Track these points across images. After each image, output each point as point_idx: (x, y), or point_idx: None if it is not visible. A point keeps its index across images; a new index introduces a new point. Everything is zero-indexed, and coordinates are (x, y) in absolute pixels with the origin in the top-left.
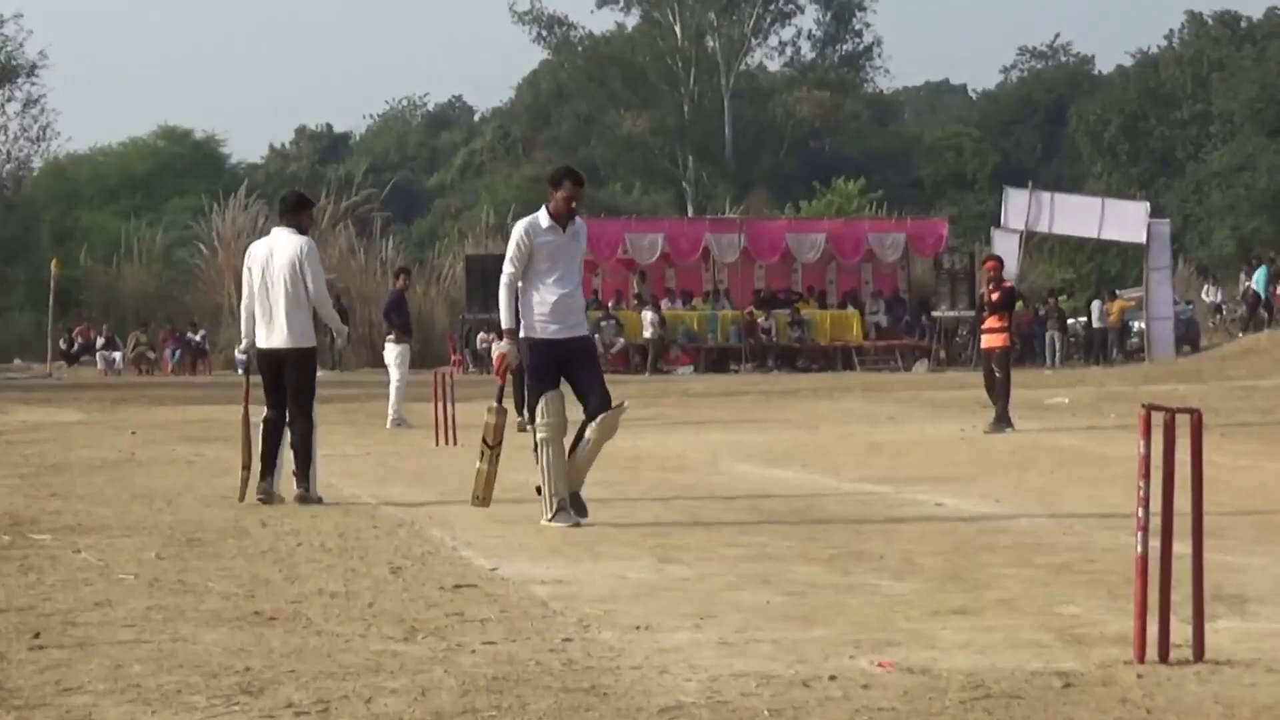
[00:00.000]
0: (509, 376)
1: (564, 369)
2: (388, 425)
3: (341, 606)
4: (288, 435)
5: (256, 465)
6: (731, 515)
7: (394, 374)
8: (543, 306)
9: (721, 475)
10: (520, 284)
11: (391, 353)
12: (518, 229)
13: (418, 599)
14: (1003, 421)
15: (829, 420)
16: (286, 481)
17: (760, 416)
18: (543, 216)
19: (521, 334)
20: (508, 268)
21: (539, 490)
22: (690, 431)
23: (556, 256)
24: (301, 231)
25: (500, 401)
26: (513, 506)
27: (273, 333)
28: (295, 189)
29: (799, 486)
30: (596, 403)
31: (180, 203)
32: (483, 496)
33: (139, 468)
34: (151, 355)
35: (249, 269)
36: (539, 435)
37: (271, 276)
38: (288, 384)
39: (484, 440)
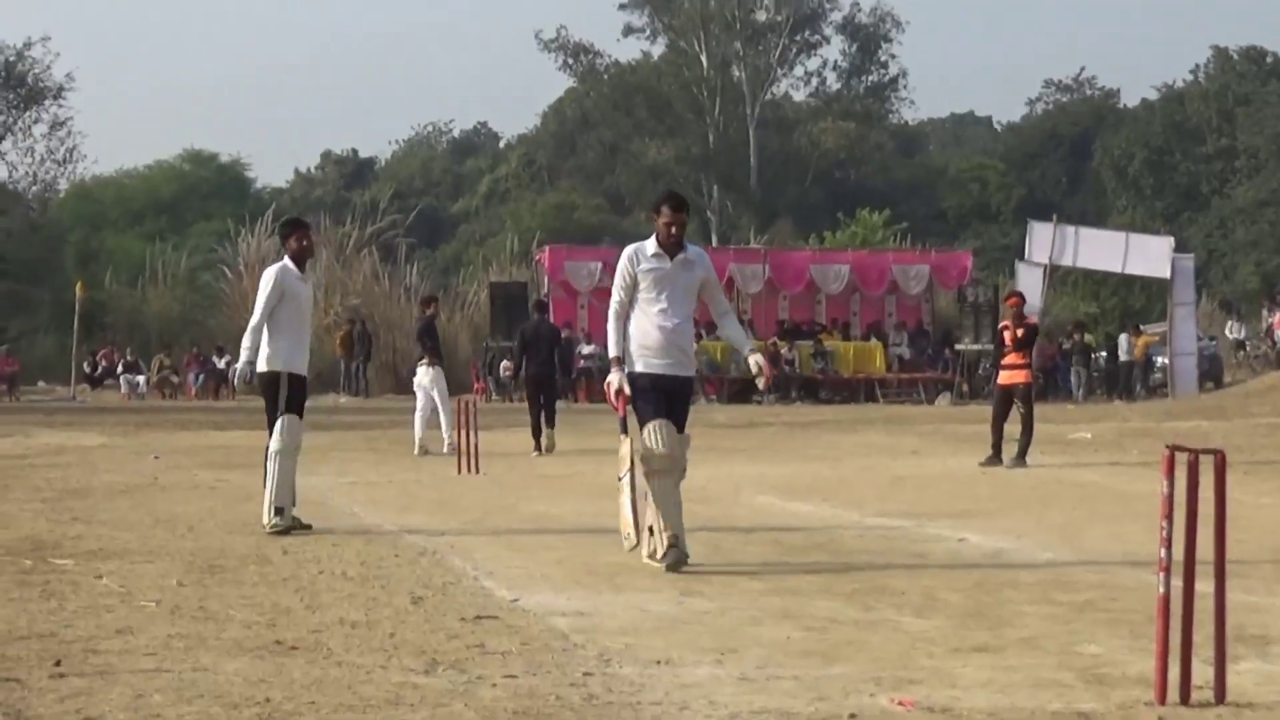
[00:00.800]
0: (623, 406)
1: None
2: (444, 450)
3: (362, 637)
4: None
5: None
6: (753, 548)
7: (437, 399)
8: (644, 338)
9: (743, 507)
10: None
11: (426, 377)
12: (623, 254)
13: (439, 630)
14: (1023, 457)
15: (851, 453)
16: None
17: (782, 448)
18: (650, 243)
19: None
20: (614, 295)
21: (649, 529)
22: (712, 463)
23: (661, 286)
24: (296, 258)
25: (625, 431)
26: (532, 537)
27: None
28: (289, 216)
29: (821, 520)
30: None
31: (205, 226)
32: (632, 535)
33: (161, 493)
34: (175, 379)
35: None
36: (651, 468)
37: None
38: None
39: (624, 475)
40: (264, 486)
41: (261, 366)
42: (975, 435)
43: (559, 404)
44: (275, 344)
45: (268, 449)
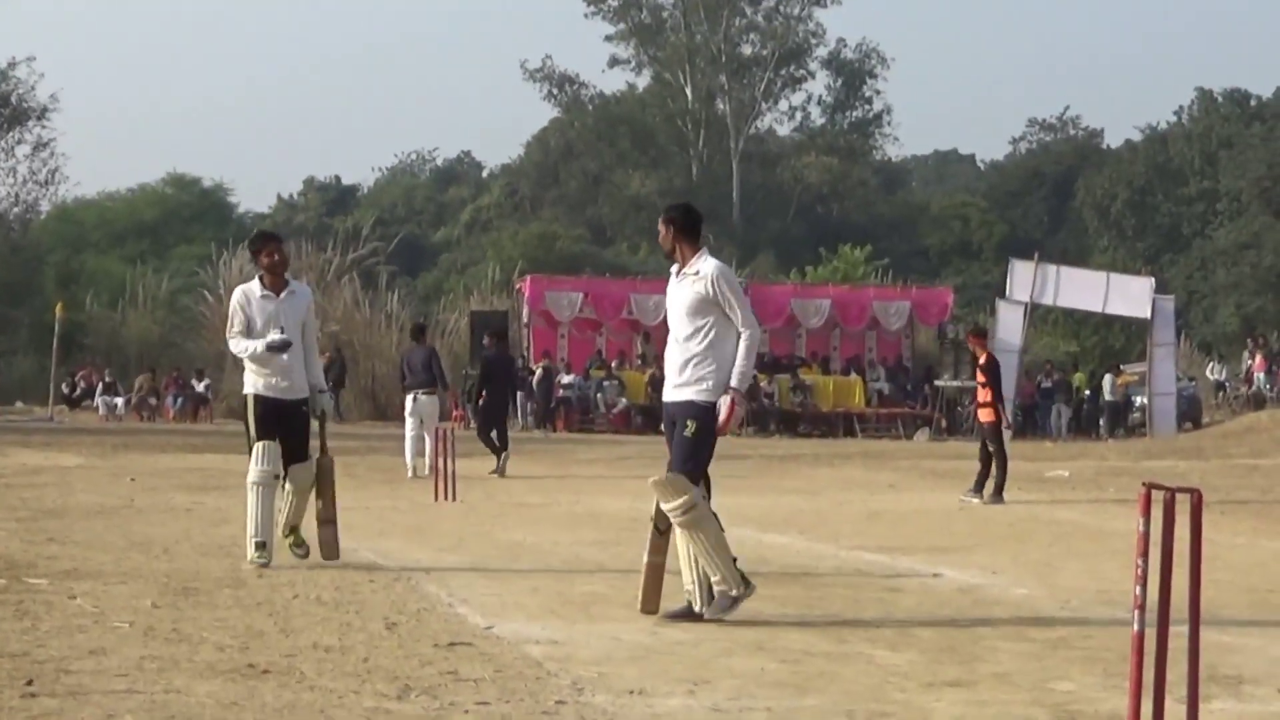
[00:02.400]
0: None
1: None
2: (425, 473)
3: (335, 661)
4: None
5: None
6: None
7: (426, 425)
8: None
9: None
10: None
11: (431, 405)
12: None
13: (412, 656)
14: (999, 495)
15: (828, 487)
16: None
17: (760, 481)
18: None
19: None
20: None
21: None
22: None
23: (673, 307)
24: (270, 272)
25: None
26: (508, 564)
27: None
28: (260, 229)
29: (796, 553)
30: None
31: (187, 250)
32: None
33: (137, 515)
34: (154, 401)
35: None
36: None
37: None
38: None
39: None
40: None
41: (245, 389)
42: (953, 471)
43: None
44: (250, 365)
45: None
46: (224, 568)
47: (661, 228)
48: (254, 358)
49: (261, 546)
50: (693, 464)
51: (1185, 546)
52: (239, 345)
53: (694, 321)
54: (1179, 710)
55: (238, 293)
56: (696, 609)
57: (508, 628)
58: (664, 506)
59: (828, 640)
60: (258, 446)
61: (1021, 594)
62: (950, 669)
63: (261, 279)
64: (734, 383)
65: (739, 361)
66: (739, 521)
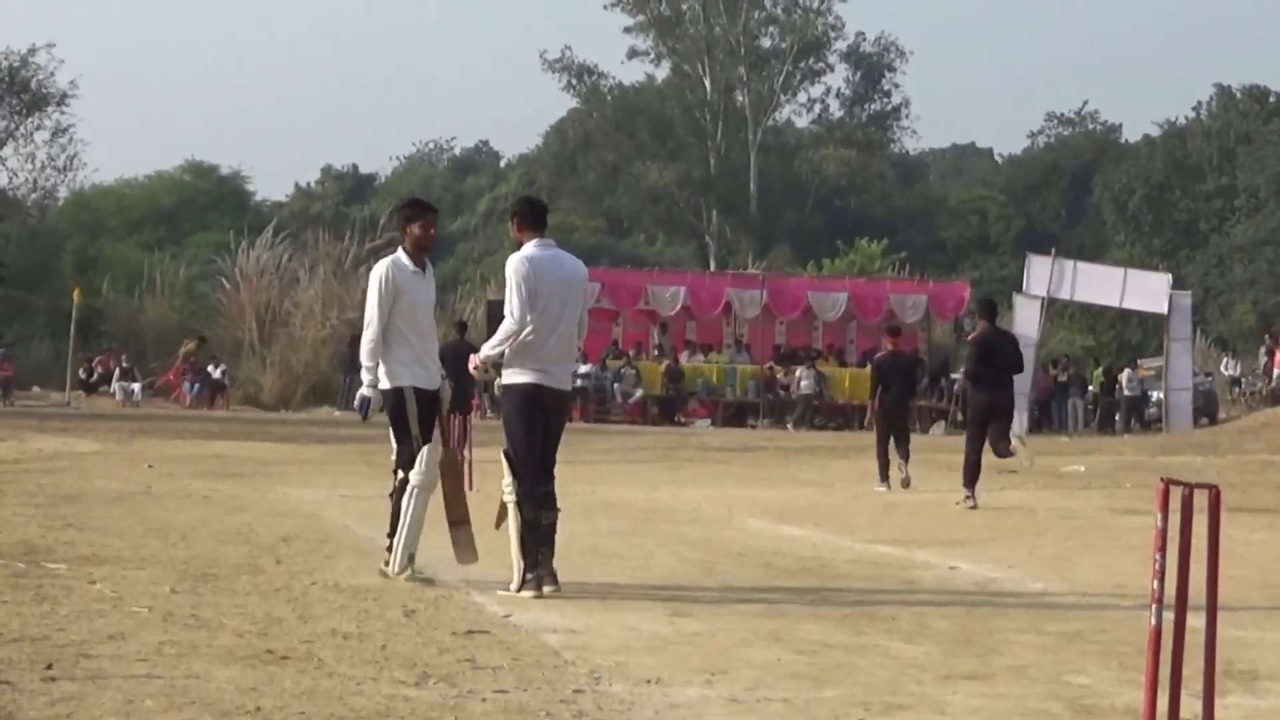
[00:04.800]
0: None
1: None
2: None
3: (354, 648)
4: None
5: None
6: (744, 571)
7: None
8: None
9: (735, 530)
10: None
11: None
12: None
13: (430, 644)
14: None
15: (844, 479)
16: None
17: (776, 473)
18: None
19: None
20: None
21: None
22: (705, 485)
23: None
24: (418, 247)
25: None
26: None
27: None
28: (415, 196)
29: (812, 545)
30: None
31: (204, 238)
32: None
33: (154, 501)
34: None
35: None
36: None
37: None
38: None
39: None
40: (396, 529)
41: (383, 384)
42: None
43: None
44: (395, 354)
45: (402, 482)
46: (241, 554)
47: (511, 219)
48: (403, 344)
49: (412, 560)
50: (507, 444)
51: (1202, 542)
52: (376, 335)
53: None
54: (1195, 705)
55: (387, 266)
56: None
57: (525, 616)
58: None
59: (844, 632)
60: (427, 450)
61: (1037, 587)
62: (966, 661)
63: (408, 253)
64: (482, 352)
65: (490, 340)
66: (755, 513)
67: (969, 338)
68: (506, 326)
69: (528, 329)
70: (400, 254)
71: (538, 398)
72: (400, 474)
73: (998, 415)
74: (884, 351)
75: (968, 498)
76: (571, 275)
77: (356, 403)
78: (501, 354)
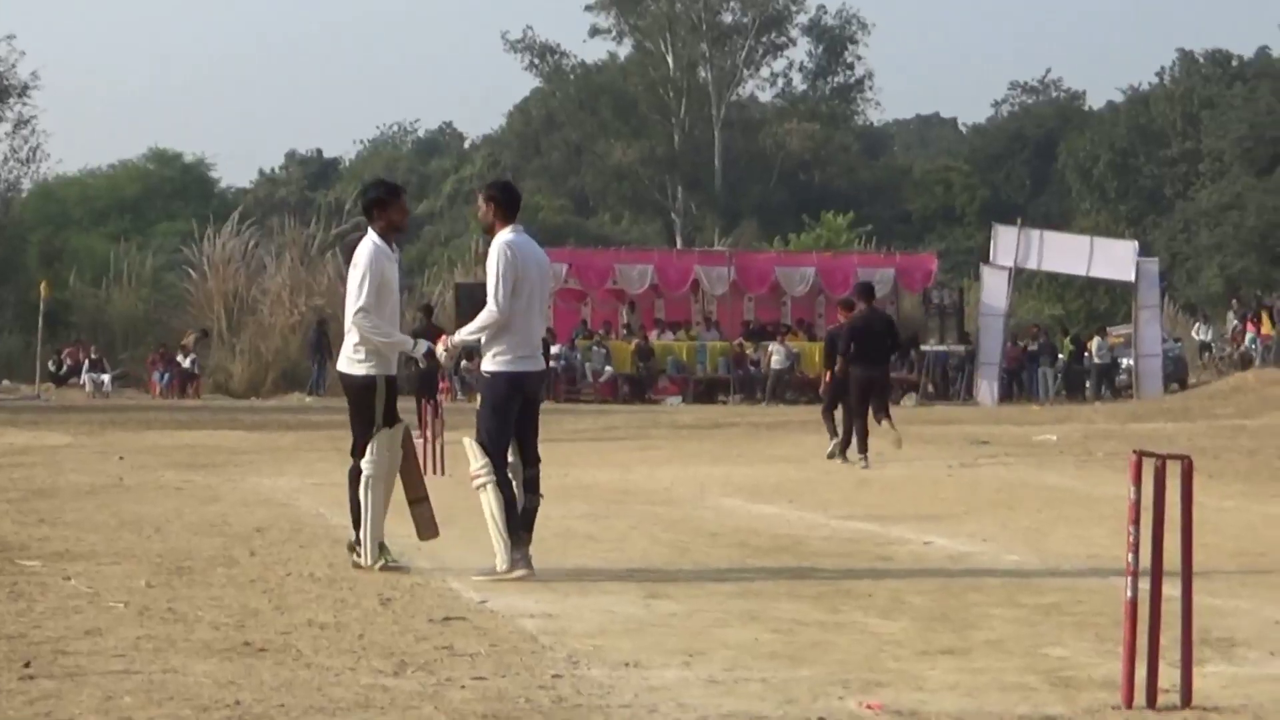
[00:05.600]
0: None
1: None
2: None
3: (331, 638)
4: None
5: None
6: (719, 551)
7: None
8: None
9: (709, 510)
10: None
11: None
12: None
13: (407, 632)
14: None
15: (817, 454)
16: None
17: (748, 449)
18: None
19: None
20: None
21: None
22: (678, 464)
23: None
24: (382, 232)
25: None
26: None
27: (341, 356)
28: (377, 178)
29: (786, 522)
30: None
31: (169, 226)
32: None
33: (127, 493)
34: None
35: None
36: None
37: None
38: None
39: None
40: (361, 520)
41: (355, 369)
42: (940, 436)
43: None
44: (378, 345)
45: (358, 473)
46: (216, 546)
47: (482, 204)
48: (386, 346)
49: (383, 548)
50: (482, 432)
51: (1174, 512)
52: (383, 328)
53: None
54: (1173, 674)
55: (371, 248)
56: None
57: (501, 602)
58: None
59: (820, 610)
60: (382, 436)
61: (1012, 560)
62: (944, 636)
63: (381, 235)
64: (456, 336)
65: (469, 326)
66: (728, 491)
67: (837, 326)
68: (489, 314)
69: (505, 316)
70: (376, 236)
71: (524, 384)
72: (353, 460)
73: (876, 390)
74: (858, 312)
75: (863, 461)
76: (543, 260)
77: (423, 356)
78: (478, 340)
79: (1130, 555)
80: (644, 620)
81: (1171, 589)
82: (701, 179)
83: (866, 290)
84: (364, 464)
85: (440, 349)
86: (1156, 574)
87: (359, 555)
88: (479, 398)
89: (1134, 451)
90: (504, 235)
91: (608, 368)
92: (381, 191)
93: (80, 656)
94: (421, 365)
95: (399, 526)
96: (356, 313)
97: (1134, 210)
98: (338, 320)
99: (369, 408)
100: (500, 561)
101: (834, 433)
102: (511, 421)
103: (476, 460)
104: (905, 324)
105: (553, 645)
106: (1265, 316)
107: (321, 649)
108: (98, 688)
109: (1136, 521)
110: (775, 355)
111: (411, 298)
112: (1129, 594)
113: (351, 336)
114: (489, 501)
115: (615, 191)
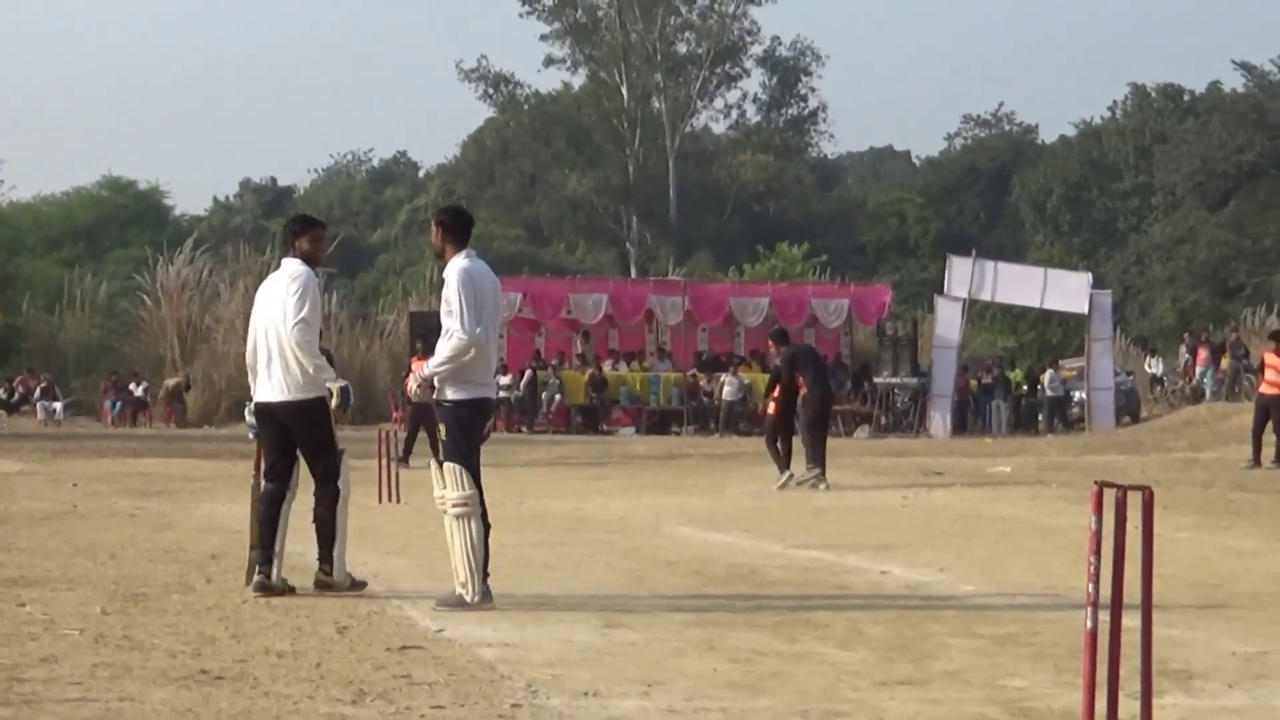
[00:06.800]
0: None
1: None
2: None
3: (289, 666)
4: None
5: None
6: (675, 580)
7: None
8: None
9: (664, 539)
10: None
11: None
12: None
13: (365, 660)
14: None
15: (771, 484)
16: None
17: (703, 480)
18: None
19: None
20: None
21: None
22: (632, 494)
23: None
24: (308, 260)
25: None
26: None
27: (270, 384)
28: (302, 212)
29: (742, 552)
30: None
31: (123, 254)
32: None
33: (81, 520)
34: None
35: (254, 310)
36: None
37: (267, 315)
38: (301, 448)
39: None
40: (327, 542)
41: (305, 393)
42: (894, 467)
43: None
44: (321, 359)
45: (333, 493)
46: (171, 572)
47: (433, 228)
48: (322, 369)
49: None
50: (451, 455)
51: (1131, 542)
52: (316, 348)
53: (445, 321)
54: (1132, 706)
55: (310, 274)
56: (468, 599)
57: (459, 630)
58: (444, 494)
59: (778, 639)
60: (344, 459)
61: (969, 590)
62: (902, 667)
63: (310, 264)
64: (427, 369)
65: (435, 358)
66: (683, 521)
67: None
68: (459, 341)
69: (482, 341)
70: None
71: (486, 411)
72: (321, 485)
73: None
74: (792, 348)
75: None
76: (497, 286)
77: (342, 396)
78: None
79: (1091, 585)
80: (602, 649)
81: (1129, 620)
82: (656, 209)
83: (782, 336)
84: (341, 484)
85: (412, 384)
86: (1117, 605)
87: (326, 573)
88: (441, 428)
89: (1095, 482)
90: (459, 261)
91: (558, 397)
92: (297, 224)
93: (36, 684)
94: (340, 400)
95: (359, 551)
96: (297, 324)
97: (1087, 243)
98: None
99: (328, 428)
100: (470, 593)
101: (782, 463)
102: (478, 449)
103: (460, 489)
104: (858, 355)
105: (511, 674)
106: (1224, 355)
107: (279, 677)
108: (54, 716)
109: (1097, 552)
110: (728, 386)
111: (365, 326)
112: (1089, 624)
113: (290, 364)
114: (469, 532)
115: (570, 221)
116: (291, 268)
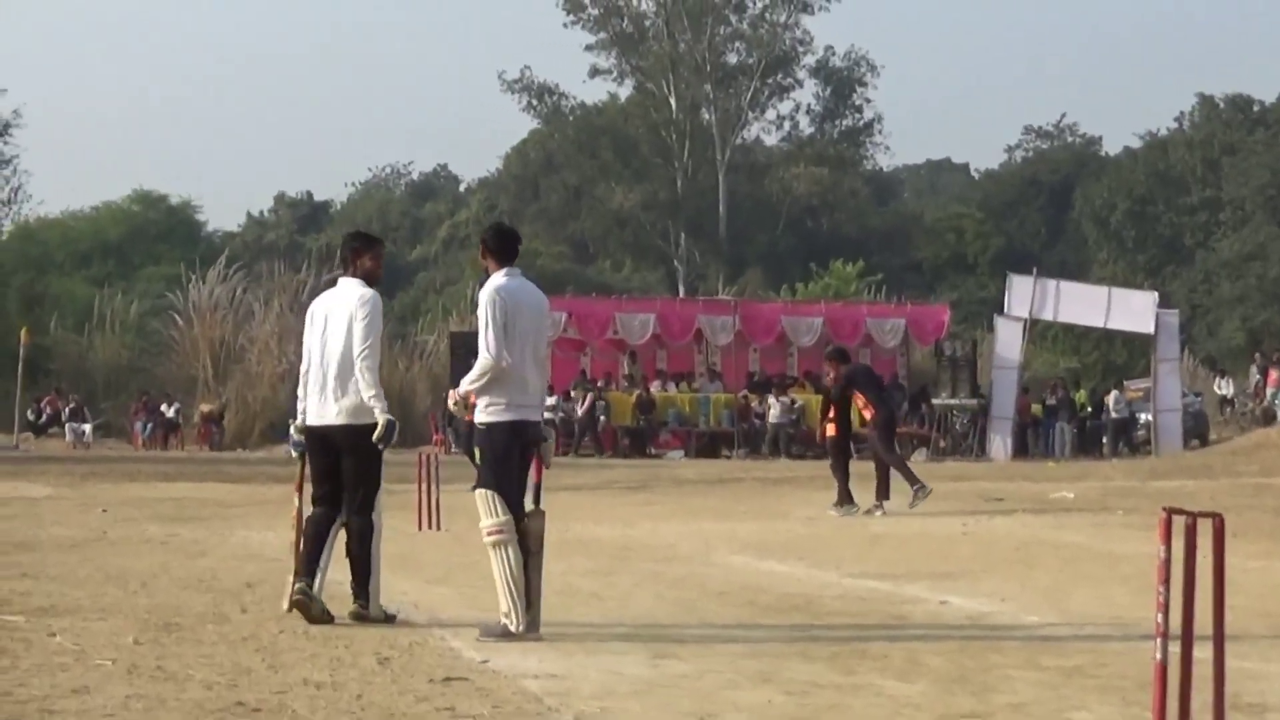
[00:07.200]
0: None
1: None
2: None
3: (328, 699)
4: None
5: None
6: (728, 609)
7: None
8: None
9: (715, 567)
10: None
11: None
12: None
13: (406, 692)
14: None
15: (826, 510)
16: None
17: (755, 505)
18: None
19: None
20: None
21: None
22: (681, 520)
23: None
24: (369, 280)
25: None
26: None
27: (325, 406)
28: (359, 228)
29: (797, 581)
30: None
31: (154, 271)
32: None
33: (111, 547)
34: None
35: (308, 327)
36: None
37: (328, 336)
38: (344, 473)
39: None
40: (361, 574)
41: (366, 417)
42: (953, 492)
43: None
44: (381, 389)
45: (358, 532)
46: (205, 602)
47: (480, 248)
48: (379, 399)
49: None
50: (484, 481)
51: (1201, 570)
52: (378, 376)
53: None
54: None
55: (378, 299)
56: (512, 629)
57: (504, 661)
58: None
59: (835, 671)
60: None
61: (1033, 621)
62: (964, 700)
63: (370, 284)
64: (461, 388)
65: (469, 376)
66: (735, 548)
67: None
68: (484, 363)
69: (504, 363)
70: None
71: (522, 433)
72: (355, 516)
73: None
74: (850, 367)
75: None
76: (540, 304)
77: (386, 429)
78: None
79: (1160, 616)
80: (652, 681)
81: (1199, 651)
82: (705, 225)
83: (843, 354)
84: (376, 517)
85: (451, 400)
86: (1187, 636)
87: (363, 606)
88: (478, 452)
89: (1164, 509)
90: (495, 279)
91: (602, 418)
92: (356, 240)
93: (68, 715)
94: (383, 433)
95: (399, 580)
96: (365, 351)
97: (1152, 260)
98: None
99: (379, 458)
100: (514, 623)
101: (846, 490)
102: (514, 473)
103: (493, 517)
104: (916, 376)
105: (558, 707)
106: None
107: (318, 709)
108: None
109: (1166, 581)
110: (774, 408)
111: (405, 346)
112: (1159, 656)
113: (351, 389)
114: (506, 559)
115: (616, 237)
116: (359, 291)
